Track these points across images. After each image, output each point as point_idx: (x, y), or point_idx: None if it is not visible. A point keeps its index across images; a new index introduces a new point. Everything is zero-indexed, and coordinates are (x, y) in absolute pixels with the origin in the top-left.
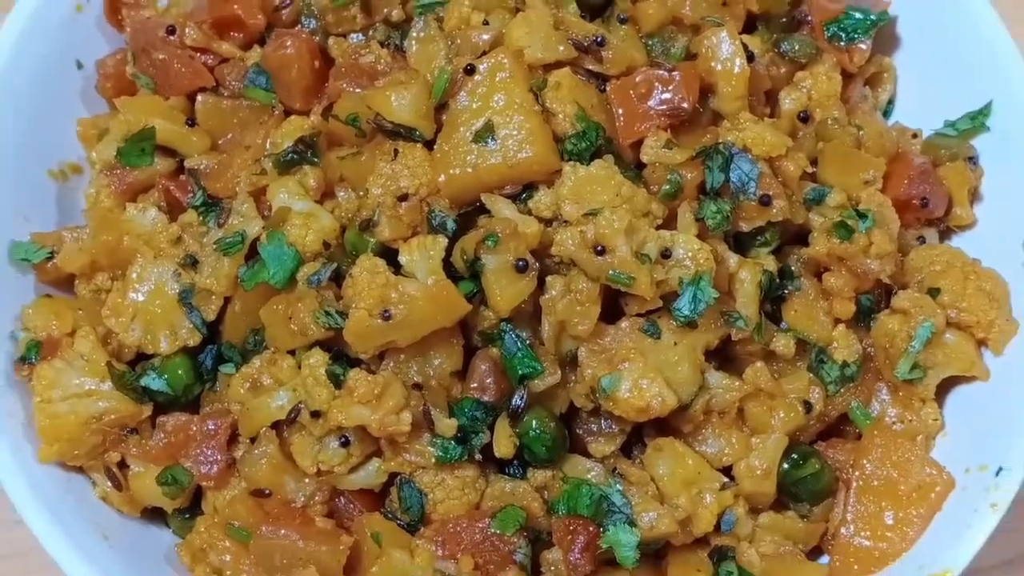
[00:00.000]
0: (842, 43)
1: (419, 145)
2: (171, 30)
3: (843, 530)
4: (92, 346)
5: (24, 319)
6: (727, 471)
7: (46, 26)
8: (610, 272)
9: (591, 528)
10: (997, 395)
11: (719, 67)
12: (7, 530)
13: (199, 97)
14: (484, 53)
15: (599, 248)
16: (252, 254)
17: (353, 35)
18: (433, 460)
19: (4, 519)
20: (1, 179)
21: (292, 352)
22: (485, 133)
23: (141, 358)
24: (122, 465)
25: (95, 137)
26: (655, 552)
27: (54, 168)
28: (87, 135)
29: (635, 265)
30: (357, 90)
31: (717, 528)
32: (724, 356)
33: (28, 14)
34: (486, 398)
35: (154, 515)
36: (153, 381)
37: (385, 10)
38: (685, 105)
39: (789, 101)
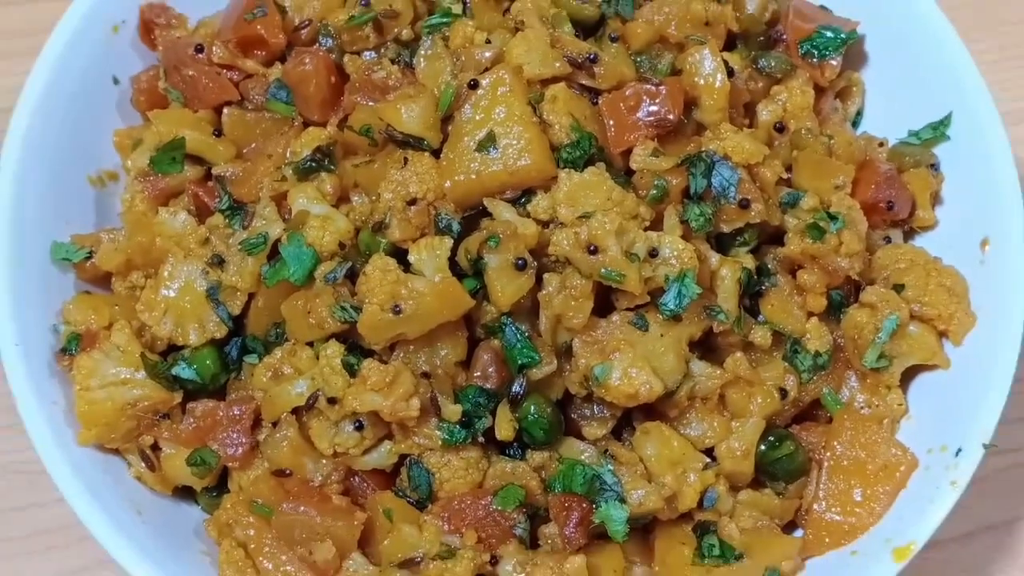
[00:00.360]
0: (815, 60)
1: (427, 154)
2: (199, 48)
3: (816, 506)
4: (127, 338)
5: (65, 314)
6: (709, 452)
7: (85, 45)
8: (602, 270)
9: (585, 505)
10: (957, 382)
11: (702, 82)
12: (49, 508)
13: (225, 110)
14: (486, 69)
15: (592, 248)
16: (274, 254)
17: (366, 53)
18: (440, 443)
19: (47, 498)
20: (44, 185)
21: (310, 344)
22: (487, 142)
23: (172, 349)
24: (155, 447)
25: (130, 147)
26: (643, 526)
27: (93, 175)
28: (123, 145)
29: (625, 263)
30: (370, 103)
31: (700, 504)
32: (706, 347)
33: (69, 34)
34: (488, 386)
35: (184, 493)
36: (183, 370)
37: (395, 30)
38: (671, 117)
39: (766, 113)
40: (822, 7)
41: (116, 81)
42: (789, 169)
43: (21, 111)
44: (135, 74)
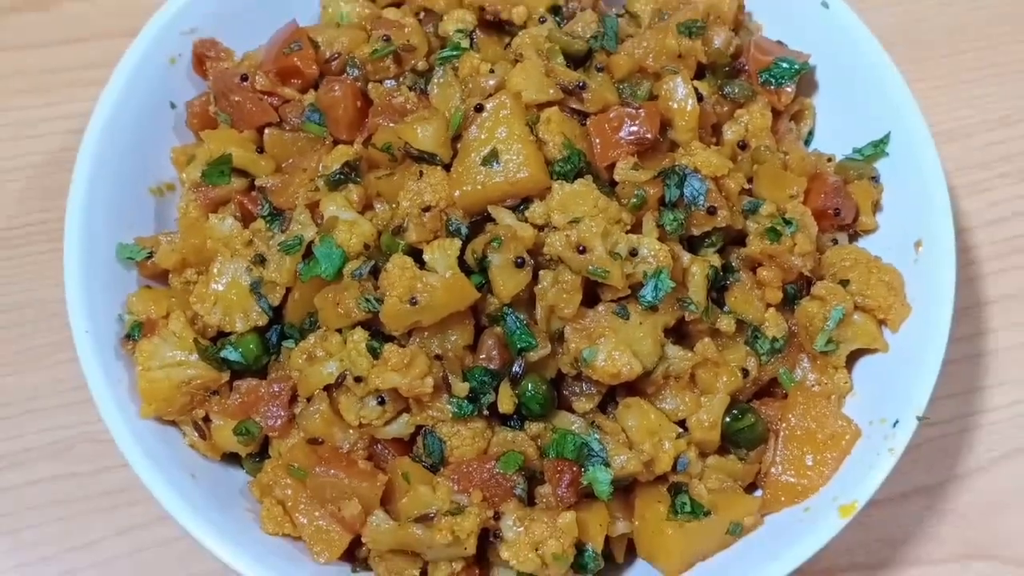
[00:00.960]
0: (772, 87)
1: (439, 167)
2: (244, 78)
3: (773, 470)
4: (182, 326)
5: (129, 305)
6: (682, 423)
7: (146, 75)
8: (589, 267)
9: (575, 468)
10: (895, 363)
11: (675, 106)
12: (116, 471)
13: (267, 130)
14: (490, 95)
15: (581, 248)
16: (308, 253)
17: (387, 81)
18: (450, 415)
19: (114, 463)
20: (111, 195)
21: (339, 330)
22: (491, 158)
23: (221, 335)
24: (206, 419)
25: (185, 162)
26: (625, 487)
27: (153, 186)
28: (179, 160)
29: (609, 262)
30: (390, 124)
31: (674, 468)
32: (679, 333)
33: (132, 66)
34: (492, 366)
35: (231, 459)
36: (230, 353)
37: (412, 61)
38: (649, 136)
39: (730, 132)
40: (779, 42)
41: (173, 106)
42: (750, 180)
43: (91, 131)
44: (189, 100)
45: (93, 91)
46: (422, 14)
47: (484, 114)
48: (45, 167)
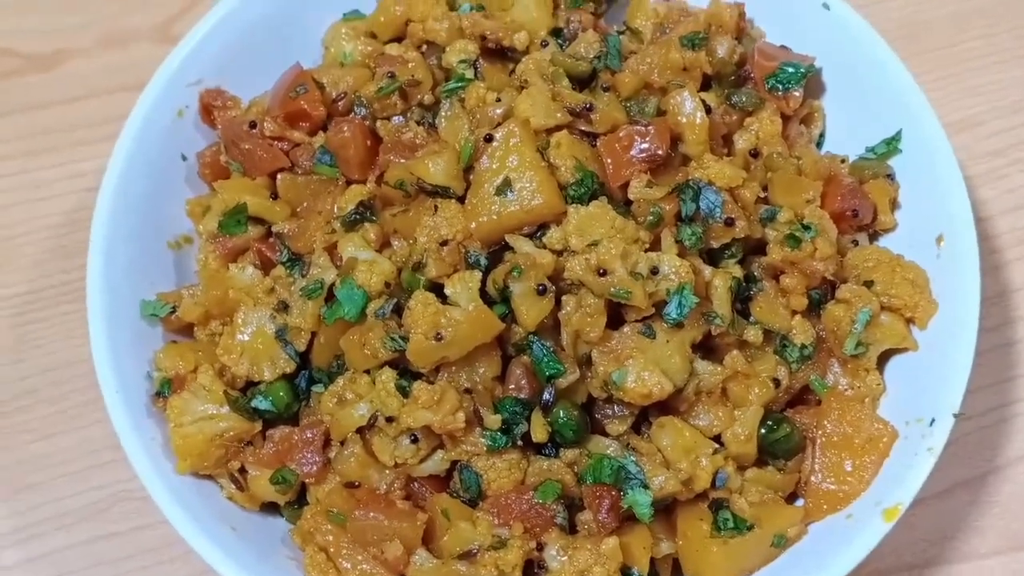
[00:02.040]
0: (780, 92)
1: (453, 200)
2: (253, 125)
3: (812, 478)
4: (211, 379)
5: (156, 362)
6: (717, 439)
7: (155, 129)
8: (611, 289)
9: (614, 492)
10: (926, 361)
11: (684, 120)
12: (156, 528)
13: (279, 176)
14: (498, 124)
15: (601, 271)
16: (330, 296)
17: (395, 117)
18: (485, 448)
19: (153, 519)
20: (129, 252)
21: (368, 371)
22: (504, 187)
23: (250, 385)
24: (242, 471)
25: (200, 213)
26: (665, 507)
27: (171, 240)
28: (194, 212)
29: (631, 282)
30: (401, 161)
31: (713, 484)
32: (707, 347)
33: (140, 122)
34: (522, 396)
35: (270, 508)
36: (261, 403)
37: (418, 96)
38: (660, 152)
39: (741, 141)
40: (783, 46)
41: (184, 158)
42: (765, 188)
43: (105, 189)
44: (199, 151)
45: (103, 148)
46: (424, 47)
47: (494, 144)
48: (61, 228)
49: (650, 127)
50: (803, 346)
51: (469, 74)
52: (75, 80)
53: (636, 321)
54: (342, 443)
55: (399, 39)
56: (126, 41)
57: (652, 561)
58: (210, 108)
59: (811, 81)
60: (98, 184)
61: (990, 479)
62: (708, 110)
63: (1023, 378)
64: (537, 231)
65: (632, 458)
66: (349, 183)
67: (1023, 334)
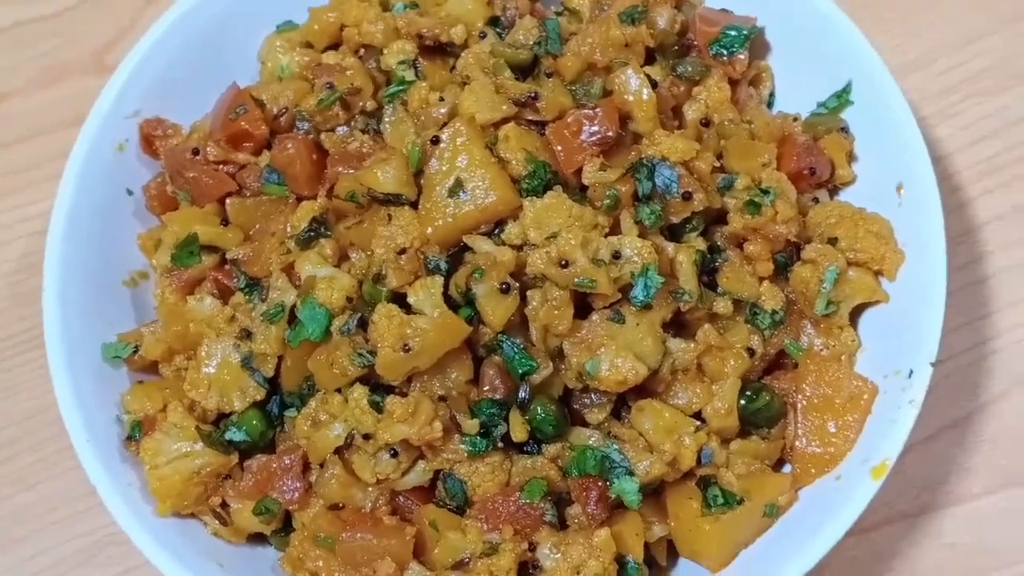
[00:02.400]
0: (724, 57)
1: (406, 207)
2: (196, 151)
3: (797, 443)
4: (182, 416)
5: (124, 404)
6: (698, 416)
7: (97, 166)
8: (575, 280)
9: (600, 483)
10: (899, 312)
11: (631, 98)
12: (143, 569)
13: (228, 201)
14: (444, 124)
15: (563, 262)
16: (292, 318)
17: (339, 128)
18: (466, 454)
19: (141, 561)
20: (85, 296)
21: (338, 390)
22: (456, 188)
23: (221, 417)
24: (224, 505)
25: (152, 247)
26: (653, 490)
27: (125, 278)
28: (146, 246)
29: (594, 270)
30: (350, 171)
31: (699, 462)
32: (678, 324)
33: (81, 161)
34: (497, 396)
35: (257, 538)
36: (235, 434)
37: (360, 104)
38: (610, 134)
39: (691, 112)
40: (723, 10)
41: (130, 192)
42: (720, 157)
43: (52, 234)
44: (145, 184)
45: (49, 187)
46: (362, 51)
47: (441, 145)
48: (15, 275)
49: (597, 109)
50: (774, 312)
51: (409, 75)
52: (15, 121)
53: (604, 308)
54: (321, 466)
55: (336, 46)
56: (62, 76)
57: (647, 546)
58: (151, 139)
59: (755, 41)
60: (45, 227)
61: (975, 418)
62: (654, 85)
63: (997, 314)
64: (494, 228)
65: (615, 446)
66: (300, 200)
67: (993, 269)
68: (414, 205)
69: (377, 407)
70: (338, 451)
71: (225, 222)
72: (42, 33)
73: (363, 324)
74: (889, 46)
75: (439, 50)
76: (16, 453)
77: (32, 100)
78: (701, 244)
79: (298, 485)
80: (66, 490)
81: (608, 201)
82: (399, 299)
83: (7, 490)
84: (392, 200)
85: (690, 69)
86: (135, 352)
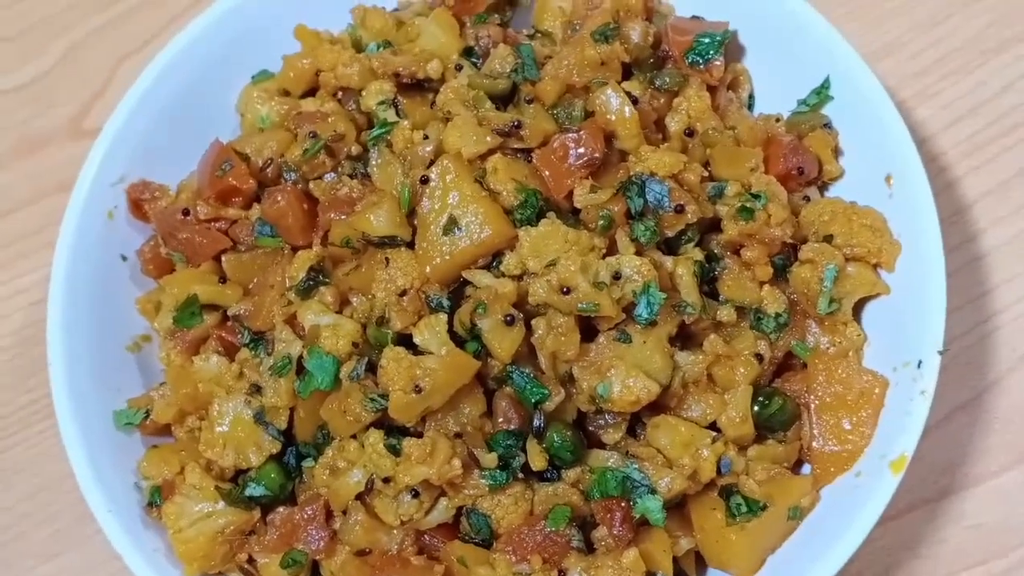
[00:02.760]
0: (701, 65)
1: (403, 248)
2: (186, 212)
3: (814, 443)
4: (200, 476)
5: (141, 471)
6: (713, 426)
7: (89, 237)
8: (579, 305)
9: (623, 504)
10: (900, 302)
11: (613, 117)
12: None
13: (223, 258)
14: (431, 162)
15: (565, 289)
16: (300, 369)
17: (327, 175)
18: (487, 488)
19: None
20: (92, 365)
21: (354, 436)
22: (451, 226)
23: (239, 473)
24: (251, 561)
25: (152, 310)
26: (676, 504)
27: (129, 343)
28: (146, 309)
29: (596, 293)
30: (343, 217)
31: (719, 472)
32: (684, 337)
33: (72, 233)
34: (512, 427)
35: None
36: (254, 489)
37: (344, 150)
38: (597, 155)
39: (674, 124)
40: (695, 17)
41: (124, 258)
42: (707, 166)
43: (53, 308)
44: (138, 248)
45: (39, 258)
46: (340, 94)
47: (431, 184)
48: (15, 348)
49: (582, 132)
50: (777, 315)
51: (391, 115)
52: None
53: (609, 329)
54: (344, 512)
55: (313, 91)
56: (41, 144)
57: (675, 560)
58: (139, 203)
59: (730, 45)
60: (41, 297)
61: (985, 397)
62: (635, 101)
63: (996, 290)
64: (492, 261)
65: (634, 465)
66: (295, 250)
67: (987, 247)
68: (410, 245)
69: (394, 450)
70: (359, 496)
71: (223, 279)
72: (16, 103)
73: (371, 368)
74: (861, 32)
75: (417, 86)
76: (35, 526)
77: (12, 171)
78: (698, 255)
79: (323, 534)
80: (89, 558)
81: (602, 222)
82: (405, 340)
83: (29, 562)
84: (388, 243)
85: (668, 80)
86: (147, 417)
